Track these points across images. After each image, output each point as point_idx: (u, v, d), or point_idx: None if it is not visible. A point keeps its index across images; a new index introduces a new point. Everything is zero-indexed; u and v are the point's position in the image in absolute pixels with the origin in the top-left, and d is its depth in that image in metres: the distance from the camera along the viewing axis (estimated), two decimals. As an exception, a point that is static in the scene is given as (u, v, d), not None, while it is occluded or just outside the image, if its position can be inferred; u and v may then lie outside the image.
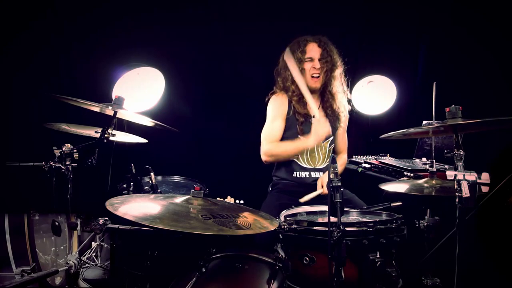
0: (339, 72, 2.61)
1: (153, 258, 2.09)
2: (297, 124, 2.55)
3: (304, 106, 2.55)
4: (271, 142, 2.54)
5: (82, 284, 2.77)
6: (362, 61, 3.72)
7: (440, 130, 2.09)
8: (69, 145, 1.98)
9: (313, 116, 2.52)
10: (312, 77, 2.53)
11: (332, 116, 2.63)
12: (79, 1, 3.17)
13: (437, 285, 2.09)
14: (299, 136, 2.55)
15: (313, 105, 2.40)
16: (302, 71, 2.51)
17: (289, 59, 2.42)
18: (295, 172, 2.60)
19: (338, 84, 2.62)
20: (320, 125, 2.41)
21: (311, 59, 2.53)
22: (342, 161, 2.78)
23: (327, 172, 2.57)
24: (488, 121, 1.72)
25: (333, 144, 2.66)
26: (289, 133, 2.59)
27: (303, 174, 2.60)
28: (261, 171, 2.81)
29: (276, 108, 2.59)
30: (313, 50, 2.54)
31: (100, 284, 2.85)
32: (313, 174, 2.60)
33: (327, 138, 2.60)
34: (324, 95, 2.63)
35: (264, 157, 2.55)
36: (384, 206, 1.99)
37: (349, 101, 2.74)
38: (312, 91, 2.54)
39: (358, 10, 3.68)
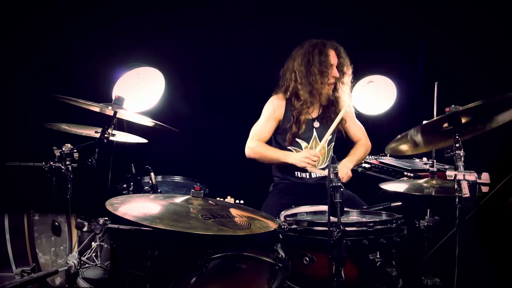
0: (348, 79, 2.60)
1: (153, 258, 2.09)
2: (298, 129, 2.55)
3: (307, 113, 2.56)
4: (257, 141, 2.57)
5: (82, 284, 2.77)
6: (362, 61, 3.70)
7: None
8: (69, 145, 1.98)
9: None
10: (329, 84, 2.53)
11: (334, 117, 2.61)
12: (79, 1, 3.17)
13: (437, 285, 2.09)
14: (296, 139, 2.56)
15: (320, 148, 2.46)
16: (325, 74, 2.49)
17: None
18: (296, 173, 2.60)
19: (345, 88, 2.61)
20: (310, 154, 2.41)
21: (331, 66, 2.52)
22: (362, 147, 2.72)
23: (344, 161, 2.58)
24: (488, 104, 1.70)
25: (332, 143, 2.66)
26: (284, 136, 2.59)
27: (304, 175, 2.60)
28: (261, 171, 2.81)
29: (272, 110, 2.59)
30: (333, 57, 2.53)
31: (100, 284, 2.85)
32: (313, 175, 2.60)
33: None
34: (329, 98, 2.61)
35: (247, 151, 2.58)
36: (384, 206, 1.99)
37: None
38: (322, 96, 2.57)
39: (358, 10, 3.68)
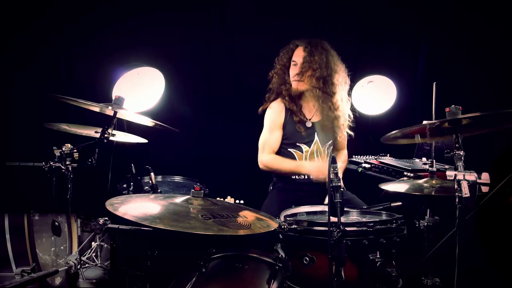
0: (338, 77, 2.56)
1: (153, 258, 2.09)
2: (298, 132, 2.55)
3: (300, 111, 2.55)
4: (268, 153, 2.56)
5: (82, 284, 2.77)
6: (362, 61, 3.72)
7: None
8: (69, 145, 1.98)
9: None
10: (294, 80, 2.54)
11: (331, 124, 2.61)
12: (79, 1, 3.18)
13: (437, 285, 2.09)
14: (297, 143, 2.55)
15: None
16: (287, 76, 2.55)
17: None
18: (295, 176, 2.58)
19: (340, 90, 2.58)
20: (321, 166, 2.43)
21: (296, 63, 2.53)
22: (343, 157, 2.79)
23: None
24: (488, 115, 1.71)
25: (331, 147, 2.66)
26: (288, 141, 2.58)
27: (302, 176, 2.59)
28: (261, 171, 2.81)
29: (274, 118, 2.58)
30: (298, 55, 2.54)
31: (100, 284, 2.85)
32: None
33: (326, 142, 2.61)
34: (326, 102, 2.59)
35: (261, 166, 2.58)
36: (384, 206, 1.99)
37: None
38: (300, 94, 2.58)
39: (358, 10, 3.68)
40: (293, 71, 2.54)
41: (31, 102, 3.02)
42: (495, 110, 1.64)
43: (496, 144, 2.84)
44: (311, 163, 2.52)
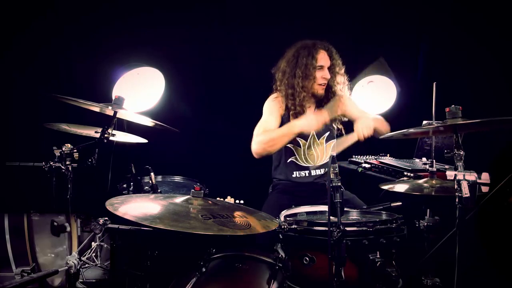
0: (340, 77, 2.61)
1: (153, 258, 2.09)
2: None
3: (302, 111, 2.54)
4: (261, 133, 2.43)
5: (82, 285, 2.77)
6: (362, 61, 3.72)
7: (440, 130, 2.09)
8: (69, 145, 1.98)
9: None
10: (320, 85, 2.53)
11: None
12: (79, 1, 3.18)
13: (437, 285, 2.09)
14: (295, 138, 2.53)
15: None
16: (309, 77, 2.50)
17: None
18: (294, 172, 2.59)
19: (340, 88, 2.62)
20: (313, 115, 2.38)
21: (321, 67, 2.52)
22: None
23: (362, 120, 2.44)
24: (488, 121, 1.71)
25: (331, 141, 2.64)
26: None
27: (303, 173, 2.59)
28: (261, 171, 2.81)
29: (273, 107, 2.57)
30: (323, 59, 2.53)
31: (100, 284, 2.85)
32: (313, 172, 2.60)
33: (323, 134, 2.61)
34: (327, 96, 2.61)
35: (256, 147, 2.37)
36: (384, 206, 1.99)
37: None
38: (314, 96, 2.58)
39: (358, 10, 3.68)
40: (320, 75, 2.51)
41: (31, 102, 3.02)
42: (494, 116, 1.64)
43: (496, 144, 2.84)
44: (302, 119, 2.40)
